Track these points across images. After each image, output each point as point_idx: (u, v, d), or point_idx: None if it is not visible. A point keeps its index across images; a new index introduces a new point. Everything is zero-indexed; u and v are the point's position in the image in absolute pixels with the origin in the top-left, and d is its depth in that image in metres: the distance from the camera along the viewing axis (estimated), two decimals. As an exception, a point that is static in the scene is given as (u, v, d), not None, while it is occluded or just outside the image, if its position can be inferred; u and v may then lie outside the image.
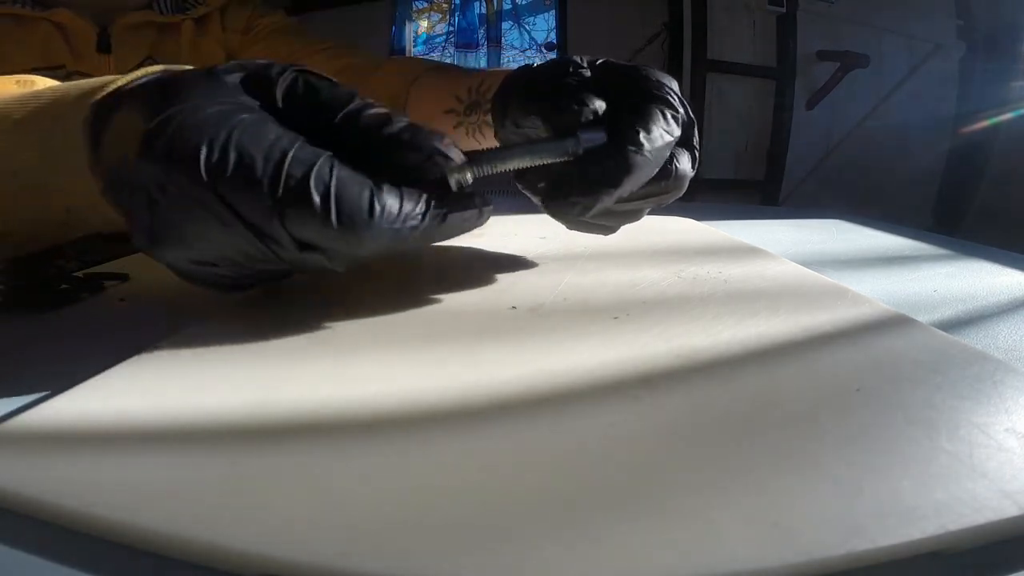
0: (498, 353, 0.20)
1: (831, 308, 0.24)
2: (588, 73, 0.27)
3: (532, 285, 0.28)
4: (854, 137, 2.27)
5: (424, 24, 2.29)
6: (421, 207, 0.20)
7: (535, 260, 0.33)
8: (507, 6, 2.27)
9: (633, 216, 0.29)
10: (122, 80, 0.22)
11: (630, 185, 0.24)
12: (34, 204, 0.24)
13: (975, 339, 0.25)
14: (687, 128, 0.26)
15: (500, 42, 2.26)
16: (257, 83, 0.20)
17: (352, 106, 0.20)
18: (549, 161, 0.24)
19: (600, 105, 0.24)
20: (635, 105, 0.25)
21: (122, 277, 0.33)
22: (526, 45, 2.28)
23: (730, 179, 2.24)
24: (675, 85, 0.27)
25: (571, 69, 0.26)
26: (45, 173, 0.23)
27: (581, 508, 0.12)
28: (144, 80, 0.21)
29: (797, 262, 0.33)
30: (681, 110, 0.25)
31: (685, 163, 0.26)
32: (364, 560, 0.11)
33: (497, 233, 0.42)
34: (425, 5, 2.28)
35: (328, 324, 0.23)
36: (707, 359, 0.20)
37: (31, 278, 0.29)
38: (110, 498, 0.12)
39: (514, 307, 0.25)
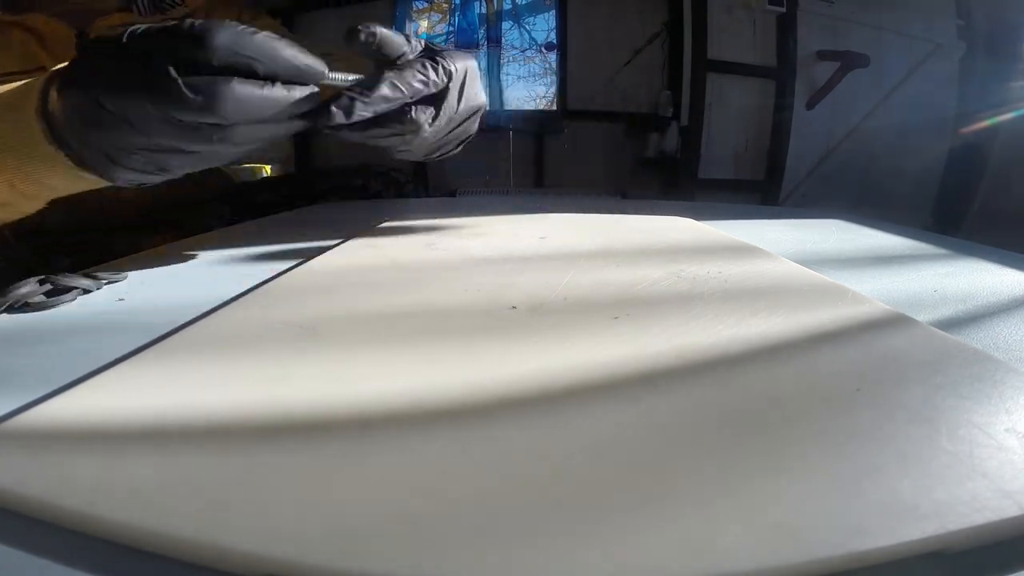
0: (498, 353, 0.20)
1: (831, 308, 0.24)
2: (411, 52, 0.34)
3: (532, 285, 0.28)
4: (854, 137, 2.27)
5: (424, 24, 2.29)
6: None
7: (535, 260, 0.33)
8: (507, 6, 2.26)
9: (399, 147, 0.36)
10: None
11: (362, 111, 0.31)
12: None
13: (975, 339, 0.25)
14: (440, 94, 0.34)
15: (500, 42, 2.26)
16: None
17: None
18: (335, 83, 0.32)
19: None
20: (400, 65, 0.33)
21: (121, 277, 0.33)
22: (526, 45, 2.28)
23: (730, 179, 2.23)
24: (455, 65, 0.34)
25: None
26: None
27: (581, 508, 0.12)
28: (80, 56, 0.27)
29: (797, 262, 0.33)
30: (433, 76, 0.33)
31: (421, 114, 0.34)
32: (364, 560, 0.11)
33: (497, 233, 0.42)
34: (425, 5, 2.28)
35: (328, 323, 0.23)
36: (707, 359, 0.20)
37: (30, 278, 0.29)
38: (110, 498, 0.12)
39: (514, 307, 0.25)
